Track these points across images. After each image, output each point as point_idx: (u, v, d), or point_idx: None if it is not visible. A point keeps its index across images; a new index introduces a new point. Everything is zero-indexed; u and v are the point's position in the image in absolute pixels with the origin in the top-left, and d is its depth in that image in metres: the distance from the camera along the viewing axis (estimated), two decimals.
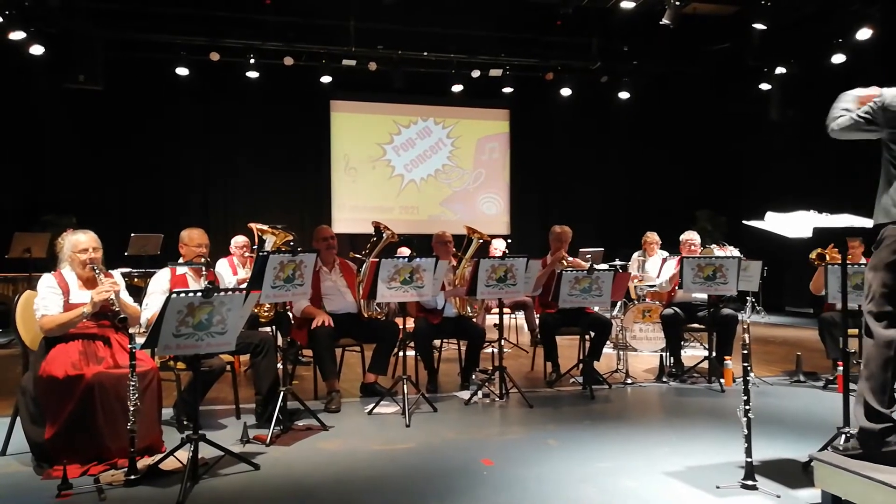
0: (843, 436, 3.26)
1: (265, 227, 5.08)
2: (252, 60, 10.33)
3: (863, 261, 5.39)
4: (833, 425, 3.41)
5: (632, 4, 9.22)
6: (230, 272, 5.45)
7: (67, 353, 3.46)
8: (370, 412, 4.57)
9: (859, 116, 2.92)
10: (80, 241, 3.66)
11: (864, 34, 8.69)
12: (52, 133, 10.15)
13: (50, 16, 8.97)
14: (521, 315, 7.73)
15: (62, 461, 3.17)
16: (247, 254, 5.88)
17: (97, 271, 3.59)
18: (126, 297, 3.79)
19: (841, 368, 3.42)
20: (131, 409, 3.16)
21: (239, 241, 6.13)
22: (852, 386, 4.24)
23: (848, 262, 3.51)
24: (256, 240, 5.21)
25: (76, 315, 3.49)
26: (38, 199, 9.89)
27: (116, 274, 3.84)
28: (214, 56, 10.14)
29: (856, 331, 5.04)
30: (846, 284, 3.40)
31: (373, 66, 10.75)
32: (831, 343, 5.38)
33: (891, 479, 2.57)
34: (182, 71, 10.19)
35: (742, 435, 3.09)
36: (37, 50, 8.98)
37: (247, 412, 4.46)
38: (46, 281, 3.60)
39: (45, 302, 3.53)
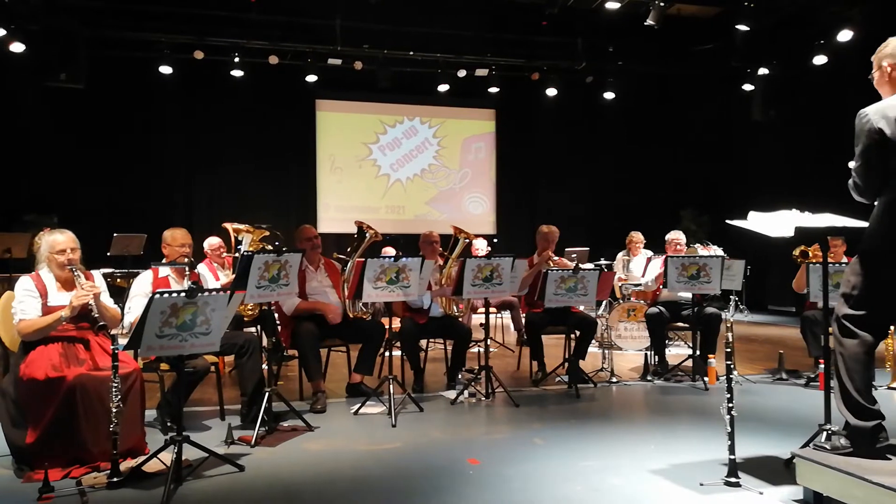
0: (825, 433, 3.29)
1: (241, 227, 5.03)
2: (237, 59, 10.26)
3: (844, 260, 5.46)
4: (815, 422, 3.44)
5: (617, 5, 9.28)
6: (212, 277, 5.36)
7: (47, 355, 3.41)
8: (356, 412, 4.55)
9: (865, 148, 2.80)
10: (57, 242, 3.60)
11: (844, 36, 8.81)
12: (33, 132, 10.01)
13: (31, 13, 8.85)
14: (507, 314, 7.74)
15: (44, 464, 3.12)
16: (224, 254, 5.79)
17: (76, 272, 3.54)
18: (107, 298, 3.75)
19: (823, 366, 3.45)
20: (114, 410, 3.13)
21: (213, 242, 5.79)
22: (833, 383, 4.29)
23: (829, 261, 3.55)
24: (232, 240, 5.16)
25: (54, 319, 3.44)
26: (18, 198, 9.76)
27: (97, 275, 3.79)
28: (199, 54, 10.06)
29: None
30: (827, 283, 3.43)
31: (358, 65, 10.73)
32: (813, 341, 5.44)
33: (871, 474, 2.61)
34: (166, 69, 10.10)
35: (725, 432, 3.12)
36: (17, 48, 8.86)
37: (231, 413, 4.43)
38: (24, 284, 3.54)
39: (23, 306, 3.48)
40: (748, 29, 9.31)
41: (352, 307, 5.08)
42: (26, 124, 9.94)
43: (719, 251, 6.00)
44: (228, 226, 5.18)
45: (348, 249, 5.35)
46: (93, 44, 9.63)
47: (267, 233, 5.00)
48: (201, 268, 5.37)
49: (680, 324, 5.99)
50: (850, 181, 2.90)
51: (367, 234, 5.18)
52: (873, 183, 2.83)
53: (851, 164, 2.91)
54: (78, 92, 9.51)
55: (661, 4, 8.93)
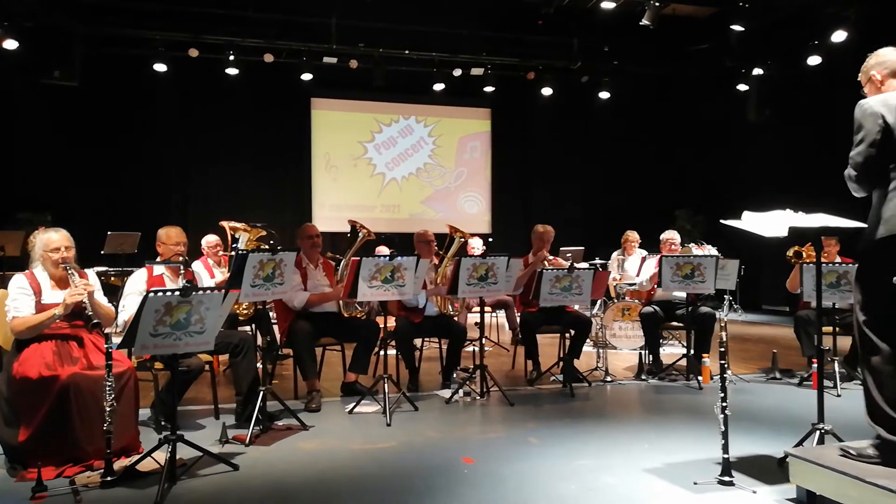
0: (819, 432, 3.31)
1: (237, 225, 5.02)
2: (232, 57, 10.23)
3: (838, 259, 5.49)
4: (808, 421, 3.46)
5: (612, 5, 9.29)
6: (207, 275, 5.35)
7: (41, 353, 3.41)
8: (351, 411, 4.55)
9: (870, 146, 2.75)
10: (51, 240, 3.59)
11: (839, 36, 8.84)
12: (27, 129, 9.98)
13: (25, 10, 8.81)
14: (502, 313, 7.74)
15: (37, 463, 3.11)
16: (220, 253, 5.79)
17: (70, 271, 3.53)
18: (101, 297, 3.73)
19: (816, 365, 3.46)
20: (107, 409, 3.12)
21: (210, 240, 5.80)
22: (827, 383, 4.31)
23: (823, 261, 3.57)
24: (229, 238, 5.15)
25: (47, 317, 3.43)
26: (12, 196, 9.72)
27: (91, 273, 3.78)
28: (193, 52, 10.03)
29: (830, 328, 5.18)
30: (821, 283, 3.45)
31: (354, 63, 10.71)
32: (806, 340, 5.46)
33: (866, 474, 2.62)
34: (160, 67, 10.07)
35: (719, 431, 3.13)
36: (11, 44, 8.81)
37: (226, 412, 4.42)
38: (17, 281, 3.54)
39: (16, 303, 3.47)
40: (743, 29, 9.34)
41: (345, 308, 5.08)
42: (20, 122, 9.90)
43: (714, 251, 6.02)
44: (225, 224, 5.17)
45: (347, 249, 5.33)
46: (87, 41, 9.59)
47: (264, 233, 4.99)
48: (196, 265, 5.37)
49: (674, 323, 6.00)
50: (848, 171, 2.85)
51: (360, 234, 5.16)
52: (873, 171, 2.79)
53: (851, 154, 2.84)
54: (72, 89, 9.47)
55: (657, 4, 8.94)
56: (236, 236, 5.02)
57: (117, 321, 3.94)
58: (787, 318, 9.31)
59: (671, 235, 6.24)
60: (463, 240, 5.58)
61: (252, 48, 10.30)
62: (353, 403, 4.64)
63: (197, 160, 11.36)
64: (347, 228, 5.26)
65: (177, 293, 3.10)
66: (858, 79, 3.04)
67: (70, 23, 9.18)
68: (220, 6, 9.94)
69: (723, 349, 3.29)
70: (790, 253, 5.48)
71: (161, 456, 3.23)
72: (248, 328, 5.31)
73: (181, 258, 4.15)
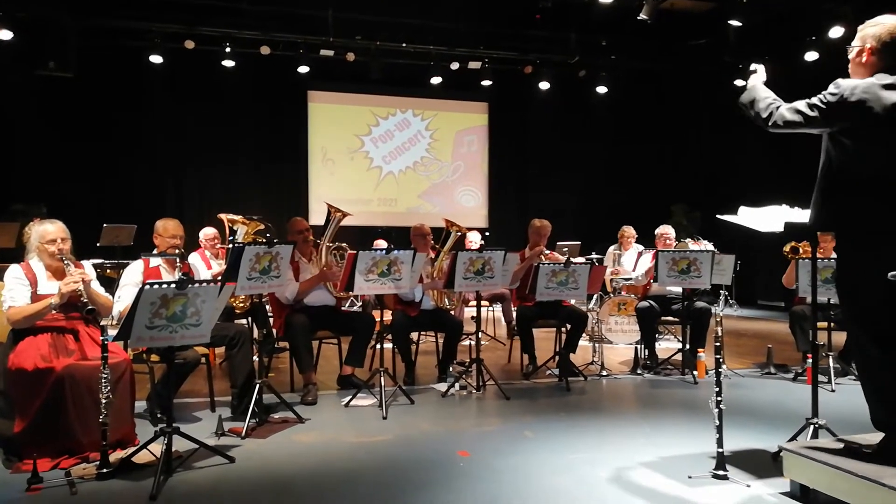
0: (813, 427, 3.33)
1: (235, 217, 5.01)
2: (228, 49, 10.19)
3: (833, 255, 5.50)
4: (802, 416, 3.48)
5: None
6: (204, 267, 5.35)
7: (36, 345, 3.40)
8: (347, 404, 4.56)
9: (811, 108, 2.77)
10: (47, 232, 3.59)
11: (836, 32, 8.84)
12: (22, 121, 9.89)
13: (19, 0, 8.75)
14: (498, 307, 7.75)
15: (32, 455, 3.11)
16: (218, 245, 5.78)
17: (66, 262, 3.53)
18: (98, 287, 3.73)
19: (810, 360, 3.48)
20: (103, 401, 3.12)
21: (208, 232, 5.86)
22: (821, 378, 4.33)
23: (819, 256, 3.58)
24: (227, 231, 5.14)
25: (44, 306, 3.43)
26: (6, 188, 9.66)
27: (87, 265, 3.78)
28: (189, 44, 9.98)
29: (825, 324, 5.20)
30: (816, 278, 3.46)
31: (351, 56, 10.68)
32: (801, 336, 5.48)
33: (856, 468, 2.64)
34: (156, 59, 10.01)
35: (714, 426, 3.14)
36: (5, 35, 8.75)
37: (222, 405, 4.43)
38: (13, 272, 3.53)
39: (13, 293, 3.47)
40: (741, 24, 9.33)
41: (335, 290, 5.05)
42: (14, 113, 9.82)
43: (710, 246, 6.03)
44: (224, 217, 5.16)
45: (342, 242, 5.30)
46: (83, 32, 9.52)
47: (262, 226, 4.98)
48: (193, 258, 5.36)
49: (670, 318, 6.02)
50: (780, 114, 2.84)
51: (334, 218, 5.07)
52: (791, 129, 2.80)
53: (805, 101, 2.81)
54: (67, 81, 9.41)
55: None
56: (234, 229, 5.02)
57: (113, 312, 3.94)
58: (782, 314, 9.35)
59: (665, 230, 6.26)
60: (459, 234, 5.58)
61: (248, 40, 10.25)
62: (350, 396, 4.64)
63: (193, 152, 11.30)
64: (345, 222, 5.23)
65: (172, 285, 3.09)
66: (857, 28, 2.91)
67: (64, 13, 9.12)
68: None
69: (718, 344, 3.30)
70: (787, 248, 5.50)
71: (157, 448, 3.23)
72: (244, 321, 5.31)
73: (177, 251, 4.14)
